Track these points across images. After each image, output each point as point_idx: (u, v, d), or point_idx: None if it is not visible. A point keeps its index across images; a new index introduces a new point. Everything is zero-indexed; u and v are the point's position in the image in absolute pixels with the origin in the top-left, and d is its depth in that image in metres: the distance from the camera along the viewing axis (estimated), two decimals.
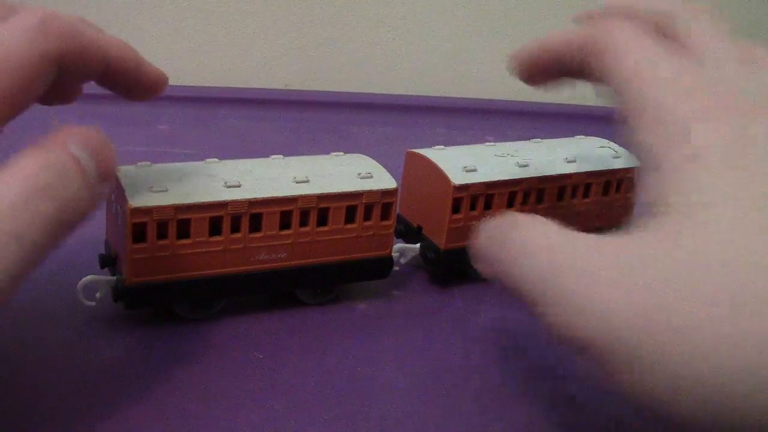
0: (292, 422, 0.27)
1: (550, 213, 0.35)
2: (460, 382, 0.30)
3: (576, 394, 0.30)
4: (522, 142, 0.39)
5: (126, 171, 0.30)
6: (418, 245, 0.36)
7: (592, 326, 0.20)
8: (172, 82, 0.73)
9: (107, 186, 0.24)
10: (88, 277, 0.30)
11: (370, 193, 0.32)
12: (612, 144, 0.40)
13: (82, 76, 0.25)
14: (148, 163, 0.31)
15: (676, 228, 0.20)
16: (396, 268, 0.35)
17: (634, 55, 0.24)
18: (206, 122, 0.58)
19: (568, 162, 0.37)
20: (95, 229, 0.33)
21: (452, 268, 0.36)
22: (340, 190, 0.32)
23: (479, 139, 0.41)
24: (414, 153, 0.36)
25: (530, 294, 0.22)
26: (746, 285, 0.18)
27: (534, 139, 0.40)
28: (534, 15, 0.71)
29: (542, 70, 0.28)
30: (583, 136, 0.42)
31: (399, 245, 0.35)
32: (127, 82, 0.26)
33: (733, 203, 0.20)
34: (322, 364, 0.30)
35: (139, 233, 0.29)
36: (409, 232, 0.37)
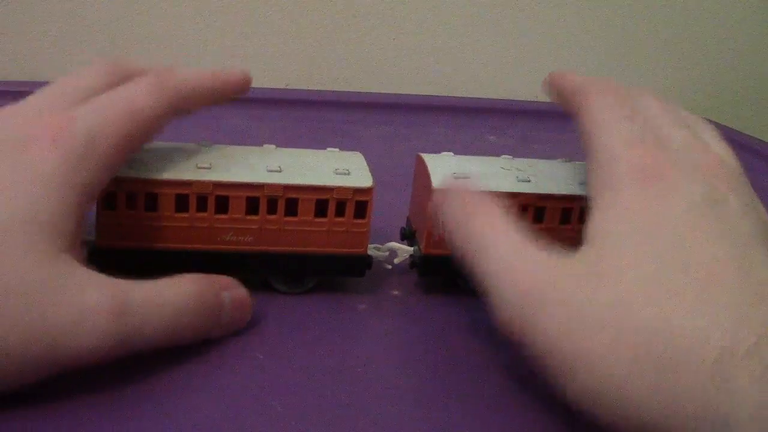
0: (292, 423, 0.27)
1: (552, 234, 0.34)
2: (460, 383, 0.30)
3: None
4: (544, 161, 0.37)
5: None
6: (413, 248, 0.36)
7: (533, 339, 0.25)
8: None
9: (222, 335, 0.30)
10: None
11: (341, 189, 0.33)
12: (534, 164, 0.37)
13: (194, 109, 0.32)
14: None
15: (594, 262, 0.26)
16: (388, 266, 0.35)
17: (602, 115, 0.30)
18: (206, 122, 0.58)
19: (580, 183, 0.35)
20: None
21: (434, 274, 0.36)
22: (308, 183, 0.32)
23: (479, 139, 0.40)
24: (419, 156, 0.36)
25: (482, 289, 0.27)
26: (620, 321, 0.24)
27: (560, 159, 0.38)
28: (533, 15, 0.71)
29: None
30: (510, 157, 0.38)
31: (391, 244, 0.35)
32: (222, 100, 0.34)
33: (636, 256, 0.25)
34: (322, 364, 0.30)
35: (109, 201, 0.31)
36: (410, 236, 0.37)
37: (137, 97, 0.29)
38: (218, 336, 0.30)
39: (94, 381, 0.27)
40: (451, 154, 0.37)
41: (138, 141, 0.29)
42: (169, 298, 0.27)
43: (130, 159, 0.31)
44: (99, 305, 0.25)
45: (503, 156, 0.37)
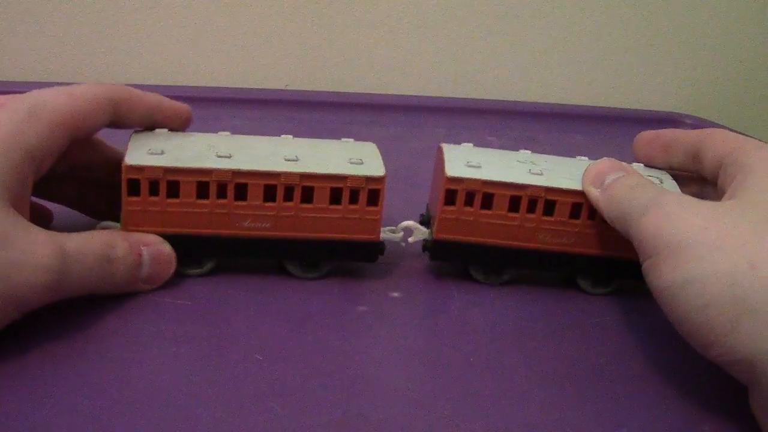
0: (292, 424, 0.27)
1: (560, 229, 0.35)
2: (459, 384, 0.30)
3: (577, 395, 0.30)
4: (563, 157, 0.38)
5: (138, 135, 0.34)
6: (428, 230, 0.37)
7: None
8: (172, 82, 0.73)
9: (150, 288, 0.33)
10: (105, 222, 0.34)
11: (355, 177, 0.34)
12: (663, 174, 0.37)
13: (134, 116, 0.34)
14: (165, 130, 0.35)
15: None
16: (402, 244, 0.36)
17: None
18: (207, 122, 0.58)
19: None
20: None
21: (444, 259, 0.37)
22: (323, 172, 0.33)
23: (479, 139, 0.40)
24: (440, 147, 0.37)
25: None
26: None
27: (580, 157, 0.38)
28: (534, 15, 0.71)
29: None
30: (642, 165, 0.38)
31: (407, 222, 0.36)
32: (163, 124, 0.35)
33: None
34: (322, 365, 0.30)
35: (133, 188, 0.32)
36: (429, 221, 0.38)
37: (77, 86, 0.32)
38: (144, 289, 0.33)
39: (88, 382, 0.28)
40: (471, 145, 0.38)
41: (80, 119, 0.31)
42: (91, 247, 0.30)
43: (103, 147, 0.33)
44: (42, 246, 0.28)
45: (522, 150, 0.38)
